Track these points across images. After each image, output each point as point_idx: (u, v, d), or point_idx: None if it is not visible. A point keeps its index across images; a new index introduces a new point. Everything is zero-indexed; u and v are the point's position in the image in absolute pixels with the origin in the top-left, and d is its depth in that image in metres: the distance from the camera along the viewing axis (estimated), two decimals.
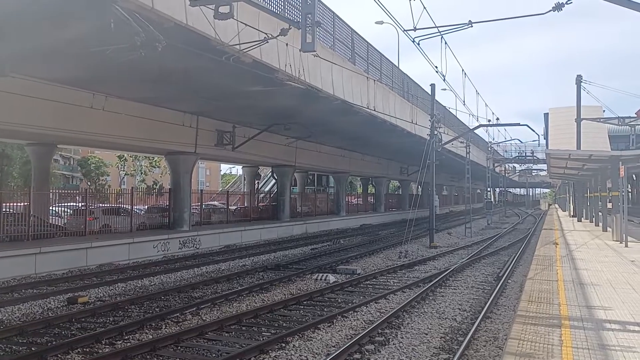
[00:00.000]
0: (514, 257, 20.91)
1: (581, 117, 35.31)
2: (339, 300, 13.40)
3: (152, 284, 15.92)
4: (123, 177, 75.20)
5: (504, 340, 9.24)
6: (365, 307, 12.35)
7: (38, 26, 12.08)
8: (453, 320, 11.18)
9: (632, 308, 9.48)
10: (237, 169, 75.05)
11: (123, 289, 15.00)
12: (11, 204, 20.51)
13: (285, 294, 14.04)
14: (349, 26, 22.85)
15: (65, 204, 25.38)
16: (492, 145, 62.66)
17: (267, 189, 45.72)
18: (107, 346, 9.42)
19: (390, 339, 9.71)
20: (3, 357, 8.87)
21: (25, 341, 9.74)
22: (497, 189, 53.02)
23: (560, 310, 9.26)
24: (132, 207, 24.30)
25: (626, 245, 20.17)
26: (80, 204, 24.46)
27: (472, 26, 13.18)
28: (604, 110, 45.93)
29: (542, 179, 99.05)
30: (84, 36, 12.41)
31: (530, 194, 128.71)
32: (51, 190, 25.01)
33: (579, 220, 41.09)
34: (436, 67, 22.89)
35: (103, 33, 11.59)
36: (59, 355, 8.77)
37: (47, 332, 10.35)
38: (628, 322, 8.48)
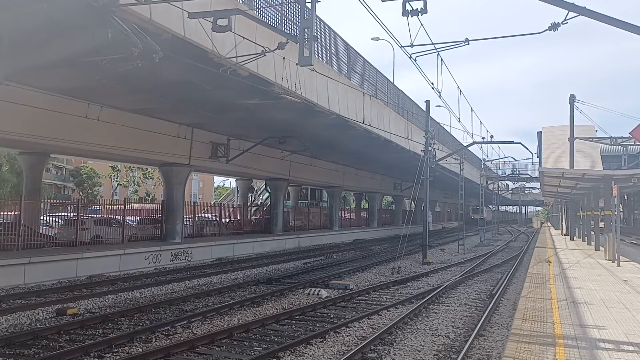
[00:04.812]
0: (507, 274, 20.86)
1: (574, 136, 35.59)
2: (332, 316, 13.29)
3: (143, 296, 15.74)
4: (115, 188, 74.86)
5: (497, 359, 9.18)
6: (357, 323, 12.24)
7: (35, 37, 12.07)
8: (446, 338, 11.10)
9: (626, 327, 9.46)
10: (231, 182, 75.00)
11: (113, 300, 14.82)
12: (1, 212, 20.28)
13: (277, 309, 13.91)
14: (345, 41, 23.01)
15: (56, 214, 25.17)
16: (485, 163, 62.96)
17: (259, 202, 45.59)
18: (96, 359, 9.28)
19: (383, 356, 9.61)
20: None
21: (12, 353, 9.57)
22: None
23: (555, 329, 9.22)
24: (124, 218, 24.13)
25: (619, 265, 20.22)
26: (71, 214, 24.28)
27: (468, 43, 13.27)
28: (596, 130, 46.36)
29: (535, 196, 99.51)
30: (81, 46, 12.39)
31: (523, 211, 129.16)
32: (42, 200, 24.76)
33: (572, 239, 41.19)
34: (432, 83, 23.01)
35: (100, 43, 11.59)
36: None
37: (34, 343, 10.18)
38: (622, 341, 8.46)
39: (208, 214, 37.05)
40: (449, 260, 28.08)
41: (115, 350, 9.76)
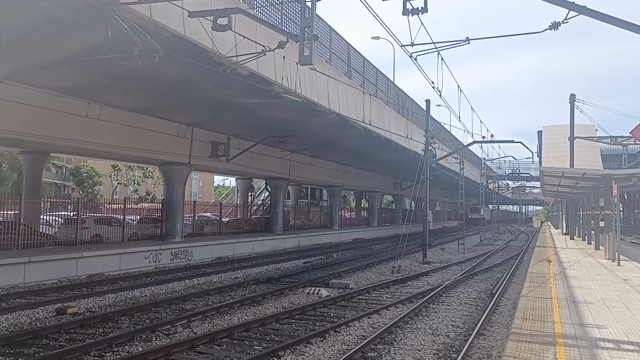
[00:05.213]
0: (507, 274, 20.86)
1: (574, 135, 35.56)
2: (332, 315, 13.28)
3: (143, 295, 15.74)
4: (116, 187, 74.85)
5: (497, 358, 9.18)
6: (357, 322, 12.24)
7: (35, 35, 12.06)
8: (446, 337, 11.10)
9: (626, 327, 9.46)
10: (231, 181, 75.00)
11: (113, 299, 14.81)
12: (1, 212, 20.27)
13: (277, 308, 13.91)
14: (345, 40, 22.99)
15: (57, 213, 25.16)
16: (485, 162, 62.93)
17: (259, 201, 45.60)
18: (96, 358, 9.27)
19: (383, 355, 9.61)
20: None
21: (12, 352, 9.57)
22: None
23: (555, 328, 9.22)
24: (124, 217, 24.12)
25: (619, 264, 20.22)
26: (71, 213, 24.27)
27: (469, 43, 13.28)
28: (596, 129, 46.30)
29: (535, 196, 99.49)
30: (82, 45, 12.39)
31: (523, 211, 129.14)
32: (42, 199, 24.75)
33: (572, 238, 41.20)
34: (432, 82, 22.97)
35: (100, 42, 11.58)
36: None
37: (35, 342, 10.17)
38: (622, 340, 8.46)
39: (208, 213, 37.05)
40: (449, 260, 28.08)
41: (116, 349, 9.75)
